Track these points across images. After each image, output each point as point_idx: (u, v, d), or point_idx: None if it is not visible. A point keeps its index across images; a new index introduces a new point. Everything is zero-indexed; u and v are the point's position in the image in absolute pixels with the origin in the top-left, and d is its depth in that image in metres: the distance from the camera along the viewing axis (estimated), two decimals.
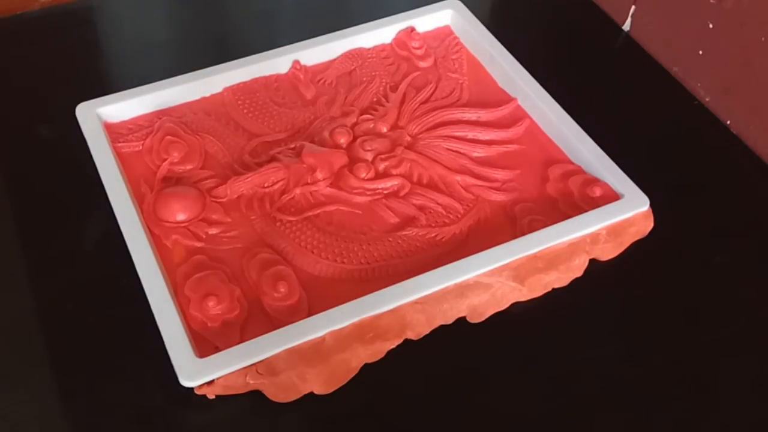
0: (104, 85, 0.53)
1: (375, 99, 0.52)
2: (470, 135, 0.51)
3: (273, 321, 0.41)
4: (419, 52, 0.55)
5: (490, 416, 0.40)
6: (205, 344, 0.40)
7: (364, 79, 0.54)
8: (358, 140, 0.49)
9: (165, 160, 0.47)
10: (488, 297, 0.43)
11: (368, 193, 0.47)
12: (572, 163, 0.49)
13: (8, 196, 0.47)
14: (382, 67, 0.54)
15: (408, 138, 0.50)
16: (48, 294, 0.43)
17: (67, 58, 0.55)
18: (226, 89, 0.52)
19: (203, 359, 0.38)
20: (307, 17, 0.60)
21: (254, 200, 0.46)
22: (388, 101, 0.52)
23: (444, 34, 0.57)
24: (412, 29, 0.56)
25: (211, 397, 0.39)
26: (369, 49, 0.55)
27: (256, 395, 0.39)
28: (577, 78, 0.56)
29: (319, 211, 0.46)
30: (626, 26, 0.60)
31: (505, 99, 0.53)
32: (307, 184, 0.47)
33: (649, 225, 0.47)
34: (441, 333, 0.42)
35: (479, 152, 0.50)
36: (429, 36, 0.57)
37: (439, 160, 0.49)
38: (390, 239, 0.45)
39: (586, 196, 0.47)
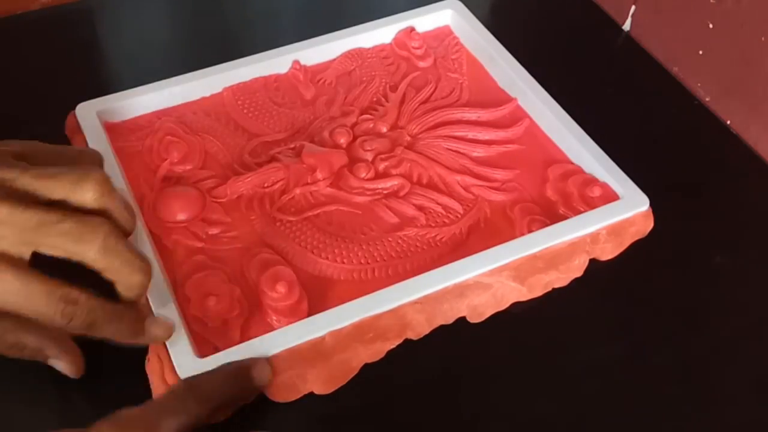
0: (104, 85, 0.53)
1: (375, 99, 0.52)
2: (470, 135, 0.51)
3: (273, 321, 0.41)
4: (419, 52, 0.55)
5: (490, 416, 0.40)
6: (205, 344, 0.40)
7: (364, 79, 0.54)
8: (358, 140, 0.49)
9: (165, 160, 0.47)
10: (488, 297, 0.43)
11: (368, 193, 0.47)
12: (572, 163, 0.49)
13: None
14: (381, 67, 0.54)
15: (408, 138, 0.50)
16: None
17: (67, 58, 0.55)
18: (226, 89, 0.52)
19: (203, 359, 0.38)
20: (307, 17, 0.60)
21: (254, 200, 0.46)
22: (387, 101, 0.52)
23: (444, 34, 0.57)
24: (411, 29, 0.56)
25: None
26: (369, 49, 0.55)
27: (256, 395, 0.39)
28: (577, 78, 0.56)
29: (319, 211, 0.46)
30: (626, 26, 0.60)
31: (505, 99, 0.53)
32: (307, 184, 0.47)
33: (649, 225, 0.47)
34: (441, 333, 0.42)
35: (479, 152, 0.50)
36: (429, 36, 0.57)
37: (439, 160, 0.49)
38: (390, 239, 0.45)
39: (586, 196, 0.47)
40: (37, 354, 0.37)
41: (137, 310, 0.37)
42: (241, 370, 0.38)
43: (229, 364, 0.38)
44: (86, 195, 0.34)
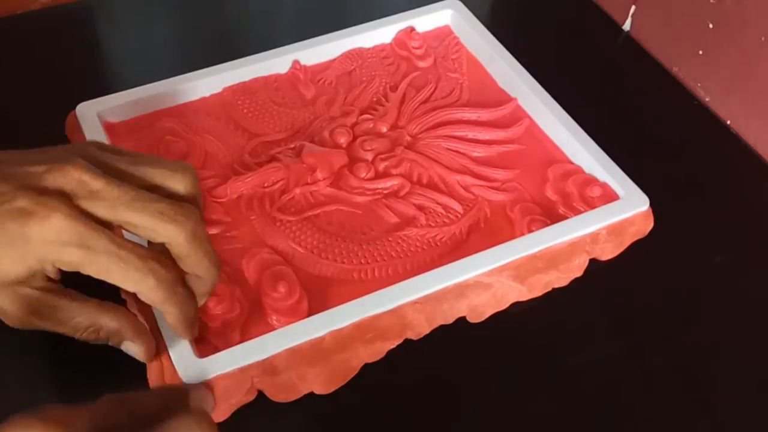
0: (104, 85, 0.53)
1: (375, 99, 0.52)
2: (470, 135, 0.51)
3: (273, 321, 0.41)
4: (419, 52, 0.55)
5: (490, 416, 0.40)
6: (205, 344, 0.40)
7: (364, 79, 0.54)
8: (358, 140, 0.49)
9: None
10: (488, 297, 0.43)
11: (368, 193, 0.47)
12: (572, 163, 0.49)
13: None
14: (381, 67, 0.54)
15: (408, 138, 0.50)
16: None
17: (67, 58, 0.55)
18: (226, 89, 0.52)
19: (203, 359, 0.38)
20: (307, 17, 0.60)
21: (254, 200, 0.46)
22: (387, 101, 0.52)
23: (444, 34, 0.57)
24: (411, 29, 0.56)
25: None
26: (369, 49, 0.55)
27: (256, 395, 0.39)
28: (577, 78, 0.56)
29: (319, 211, 0.46)
30: (626, 26, 0.60)
31: (505, 99, 0.53)
32: (307, 184, 0.47)
33: (649, 225, 0.47)
34: (441, 333, 0.42)
35: (479, 152, 0.50)
36: (429, 36, 0.57)
37: (439, 159, 0.49)
38: (390, 239, 0.45)
39: (585, 196, 0.47)
40: (112, 336, 0.37)
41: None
42: (175, 390, 0.37)
43: (163, 386, 0.38)
44: (181, 183, 0.35)
